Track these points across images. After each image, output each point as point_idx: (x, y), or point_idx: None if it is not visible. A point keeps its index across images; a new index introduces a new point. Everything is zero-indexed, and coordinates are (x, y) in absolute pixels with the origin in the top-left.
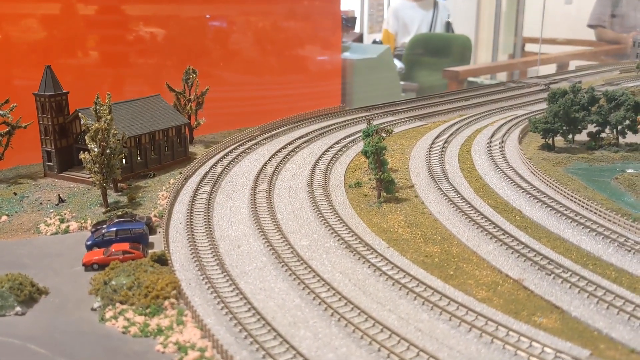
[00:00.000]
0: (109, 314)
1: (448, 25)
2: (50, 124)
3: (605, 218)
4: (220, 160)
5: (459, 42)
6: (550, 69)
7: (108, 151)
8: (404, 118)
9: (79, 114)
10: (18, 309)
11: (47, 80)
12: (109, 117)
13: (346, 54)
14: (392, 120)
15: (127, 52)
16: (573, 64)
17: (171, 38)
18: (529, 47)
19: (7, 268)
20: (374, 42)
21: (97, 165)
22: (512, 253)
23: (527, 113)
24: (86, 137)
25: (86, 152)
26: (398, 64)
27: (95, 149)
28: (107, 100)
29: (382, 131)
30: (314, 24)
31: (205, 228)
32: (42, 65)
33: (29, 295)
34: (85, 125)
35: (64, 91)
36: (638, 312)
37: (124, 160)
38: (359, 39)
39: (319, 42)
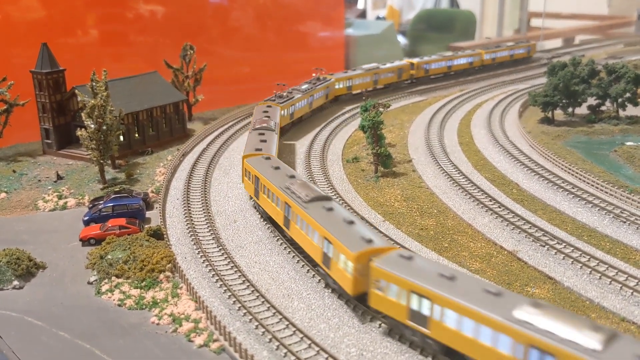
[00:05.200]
0: (105, 288)
1: (453, 0)
2: (47, 101)
3: (602, 190)
4: (218, 136)
5: (463, 18)
6: (556, 43)
7: (105, 128)
8: (403, 93)
9: (76, 91)
10: (16, 282)
11: (44, 58)
12: (105, 93)
13: (349, 30)
14: (392, 96)
15: (126, 30)
16: (578, 38)
17: (170, 15)
18: (535, 21)
19: (5, 244)
20: (378, 18)
21: (94, 141)
22: (507, 225)
23: (529, 87)
24: (82, 114)
25: (83, 129)
26: (402, 40)
27: (92, 126)
28: (103, 77)
29: (379, 106)
30: (316, 0)
31: (202, 203)
32: (40, 43)
33: (26, 269)
34: (82, 102)
35: (60, 68)
36: (630, 281)
37: (121, 137)
38: (362, 15)
39: (321, 19)
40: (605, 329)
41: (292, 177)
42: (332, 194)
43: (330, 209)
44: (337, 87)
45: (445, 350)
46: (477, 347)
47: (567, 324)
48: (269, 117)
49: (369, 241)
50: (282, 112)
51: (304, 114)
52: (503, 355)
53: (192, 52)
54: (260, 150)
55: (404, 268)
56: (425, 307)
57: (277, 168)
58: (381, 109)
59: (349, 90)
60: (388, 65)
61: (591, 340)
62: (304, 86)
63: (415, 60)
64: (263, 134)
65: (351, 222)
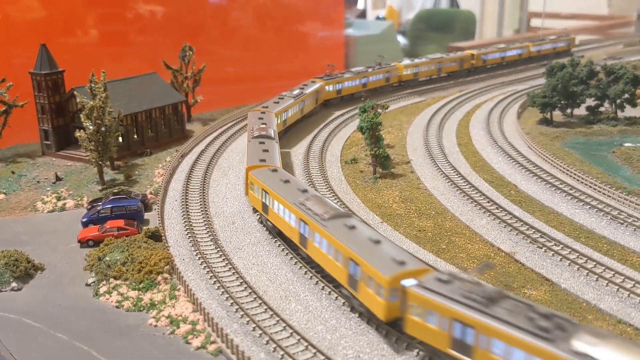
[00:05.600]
0: (103, 289)
1: (453, 0)
2: (46, 102)
3: (600, 191)
4: (217, 137)
5: (463, 18)
6: None
7: (103, 129)
8: (402, 94)
9: (75, 92)
10: (14, 284)
11: (43, 59)
12: (104, 95)
13: (349, 31)
14: (391, 97)
15: (125, 31)
16: (578, 39)
17: (170, 16)
18: (535, 22)
19: (4, 245)
20: (377, 18)
21: (92, 143)
22: (504, 227)
23: (528, 88)
24: (81, 116)
25: (82, 130)
26: (401, 40)
27: (91, 127)
28: (102, 78)
29: (378, 107)
30: (316, 0)
31: (201, 205)
32: (40, 44)
33: (24, 271)
34: (81, 103)
35: (59, 69)
36: (627, 283)
37: (120, 138)
38: (362, 15)
39: (321, 19)
40: (343, 211)
41: (262, 121)
42: (330, 195)
43: (262, 142)
44: (405, 73)
45: (277, 232)
46: (285, 225)
47: (324, 206)
48: (301, 89)
49: (262, 160)
50: (327, 87)
51: (355, 91)
52: (294, 228)
53: (191, 53)
54: (267, 107)
55: (264, 177)
56: (267, 201)
57: (260, 119)
58: (379, 110)
59: (415, 77)
60: (451, 55)
61: (325, 215)
62: (359, 69)
63: (475, 52)
64: (282, 98)
65: (266, 150)
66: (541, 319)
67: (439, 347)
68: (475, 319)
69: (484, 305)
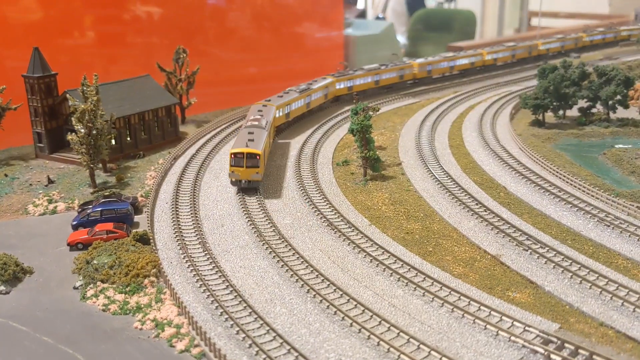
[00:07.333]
0: (90, 293)
1: None
2: (39, 105)
3: (588, 194)
4: (210, 139)
5: (462, 17)
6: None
7: (94, 132)
8: (397, 95)
9: (67, 95)
10: (2, 288)
11: (36, 62)
12: (95, 98)
13: (349, 30)
14: (385, 98)
15: (121, 33)
16: None
17: (166, 17)
18: (535, 21)
19: None
20: (377, 18)
21: (84, 146)
22: (492, 229)
23: (523, 89)
24: (73, 119)
25: (73, 134)
26: (401, 39)
27: (82, 130)
28: (94, 81)
29: (369, 109)
30: (315, 1)
31: (191, 207)
32: (35, 45)
33: (13, 274)
34: (73, 106)
35: (52, 72)
36: (610, 286)
37: (113, 141)
38: (362, 14)
39: (320, 19)
40: None
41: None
42: (320, 198)
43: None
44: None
45: None
46: None
47: None
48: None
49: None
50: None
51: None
52: None
53: (184, 55)
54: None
55: None
56: None
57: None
58: (370, 113)
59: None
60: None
61: None
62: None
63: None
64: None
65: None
66: None
67: None
68: None
69: None
